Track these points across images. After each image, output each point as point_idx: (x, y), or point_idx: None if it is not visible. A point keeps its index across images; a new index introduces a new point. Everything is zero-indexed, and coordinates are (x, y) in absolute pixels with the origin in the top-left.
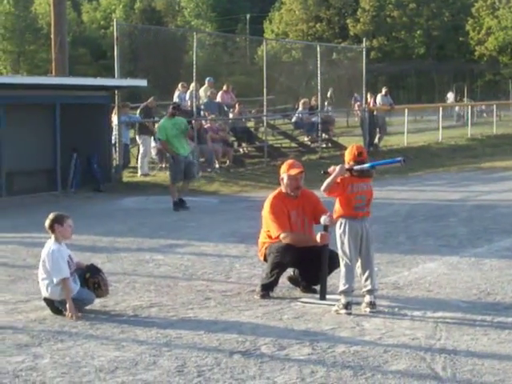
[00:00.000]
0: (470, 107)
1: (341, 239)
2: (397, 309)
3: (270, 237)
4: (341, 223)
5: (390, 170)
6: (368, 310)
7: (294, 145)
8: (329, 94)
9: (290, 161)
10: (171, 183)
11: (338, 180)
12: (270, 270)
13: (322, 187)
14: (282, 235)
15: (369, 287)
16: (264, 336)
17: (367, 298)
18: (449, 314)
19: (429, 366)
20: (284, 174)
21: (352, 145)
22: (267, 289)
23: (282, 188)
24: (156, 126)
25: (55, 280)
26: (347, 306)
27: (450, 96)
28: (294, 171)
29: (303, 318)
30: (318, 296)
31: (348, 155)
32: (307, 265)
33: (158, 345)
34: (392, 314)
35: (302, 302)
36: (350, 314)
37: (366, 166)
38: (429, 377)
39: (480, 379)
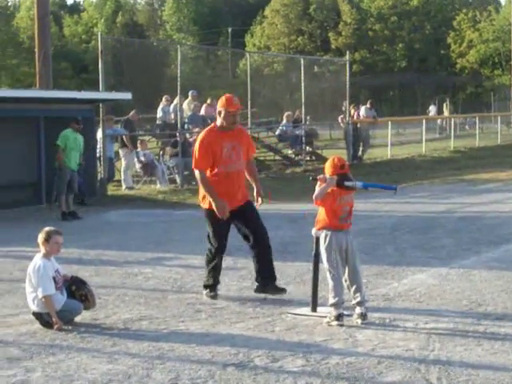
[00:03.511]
0: (452, 120)
1: (327, 252)
2: (388, 320)
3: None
4: (326, 235)
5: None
6: (360, 321)
7: (278, 158)
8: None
9: (228, 95)
10: (59, 194)
11: (329, 190)
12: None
13: (315, 195)
14: (199, 172)
15: (358, 299)
16: (257, 348)
17: (358, 310)
18: (441, 324)
19: (423, 376)
20: (222, 109)
21: (332, 157)
22: (214, 286)
23: (218, 122)
24: (62, 133)
25: (40, 295)
26: (339, 317)
27: (432, 109)
28: (232, 108)
29: (295, 329)
30: (308, 308)
31: (330, 168)
32: (243, 224)
33: (151, 357)
34: (384, 326)
35: (293, 313)
36: (341, 325)
37: (359, 184)
38: None
39: None
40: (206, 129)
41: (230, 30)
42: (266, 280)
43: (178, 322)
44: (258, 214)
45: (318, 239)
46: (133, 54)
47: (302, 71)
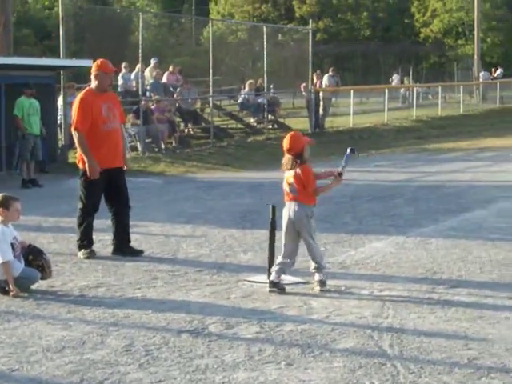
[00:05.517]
0: (414, 89)
1: (312, 224)
2: (344, 288)
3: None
4: (312, 211)
5: (336, 151)
6: (319, 288)
7: (240, 126)
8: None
9: (102, 59)
10: (21, 161)
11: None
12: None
13: (323, 192)
14: (78, 133)
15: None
16: (212, 315)
17: (317, 277)
18: (395, 292)
19: (376, 343)
20: (99, 72)
21: (294, 134)
22: (89, 246)
23: (93, 84)
24: (16, 102)
25: None
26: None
27: (395, 78)
28: (108, 70)
29: (251, 297)
30: (265, 276)
31: (300, 142)
32: (111, 189)
33: (106, 324)
34: (339, 293)
35: (250, 281)
36: (281, 290)
37: (343, 165)
38: (376, 354)
39: (427, 356)
40: (83, 91)
41: None
42: (122, 242)
43: (135, 289)
44: (126, 184)
45: (273, 207)
46: (95, 20)
47: (265, 39)
